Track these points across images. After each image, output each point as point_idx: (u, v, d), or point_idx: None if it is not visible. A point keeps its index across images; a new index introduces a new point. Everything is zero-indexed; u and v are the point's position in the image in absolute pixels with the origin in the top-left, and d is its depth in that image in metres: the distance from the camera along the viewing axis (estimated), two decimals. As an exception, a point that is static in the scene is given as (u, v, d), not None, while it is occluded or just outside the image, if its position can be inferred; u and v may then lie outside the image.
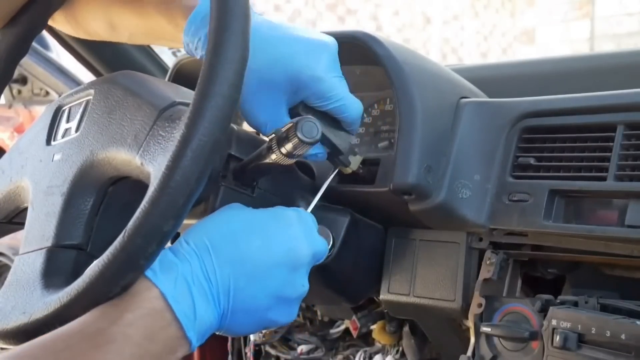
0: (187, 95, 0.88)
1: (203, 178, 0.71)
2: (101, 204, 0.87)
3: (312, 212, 0.99)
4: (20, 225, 0.93)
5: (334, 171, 0.99)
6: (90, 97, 0.91)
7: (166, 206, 0.69)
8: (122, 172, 0.85)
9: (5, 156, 1.00)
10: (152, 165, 0.78)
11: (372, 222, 1.07)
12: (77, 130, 0.90)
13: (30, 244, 0.86)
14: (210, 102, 0.71)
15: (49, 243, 0.84)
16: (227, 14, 0.73)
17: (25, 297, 0.79)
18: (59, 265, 0.82)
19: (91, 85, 0.93)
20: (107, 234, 0.87)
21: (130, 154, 0.81)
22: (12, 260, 1.99)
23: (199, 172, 0.70)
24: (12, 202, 0.95)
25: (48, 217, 0.86)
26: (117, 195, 0.88)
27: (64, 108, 0.95)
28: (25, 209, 0.92)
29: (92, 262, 0.74)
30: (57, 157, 0.90)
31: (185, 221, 0.93)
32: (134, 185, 0.83)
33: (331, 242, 1.00)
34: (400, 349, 1.24)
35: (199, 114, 0.70)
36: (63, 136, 0.92)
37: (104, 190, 0.87)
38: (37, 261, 0.83)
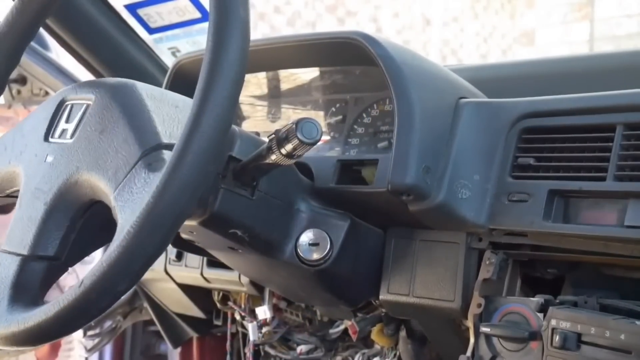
0: (177, 132, 0.88)
1: (162, 247, 0.74)
2: (81, 219, 0.89)
3: (312, 215, 1.00)
4: (15, 198, 0.95)
5: None
6: (91, 103, 0.91)
7: (122, 269, 0.72)
8: (102, 199, 0.86)
9: (9, 133, 1.01)
10: (120, 216, 0.79)
11: (372, 226, 1.07)
12: (72, 136, 0.91)
13: (11, 243, 0.88)
14: (182, 173, 0.72)
15: (25, 251, 0.86)
16: (213, 87, 0.74)
17: None
18: (29, 279, 0.85)
19: (95, 87, 0.93)
20: (84, 247, 0.91)
21: (109, 188, 0.83)
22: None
23: (158, 242, 0.73)
24: (8, 182, 0.98)
25: (29, 223, 0.88)
26: (97, 213, 0.89)
27: (67, 103, 0.95)
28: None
29: (65, 271, 0.80)
30: (49, 158, 0.91)
31: (186, 222, 0.93)
32: None
33: (329, 246, 1.00)
34: (398, 353, 1.24)
35: (167, 184, 0.72)
36: (60, 136, 0.93)
37: (84, 208, 0.89)
38: (11, 268, 0.85)
